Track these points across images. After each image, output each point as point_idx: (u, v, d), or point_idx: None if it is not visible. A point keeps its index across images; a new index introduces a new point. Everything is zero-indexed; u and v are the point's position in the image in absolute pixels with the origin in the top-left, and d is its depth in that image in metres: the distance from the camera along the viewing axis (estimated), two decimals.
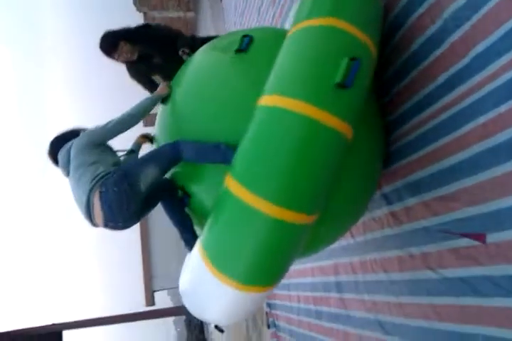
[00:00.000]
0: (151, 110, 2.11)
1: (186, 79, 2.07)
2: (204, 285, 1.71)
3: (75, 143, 1.95)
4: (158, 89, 2.14)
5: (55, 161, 2.07)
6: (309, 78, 1.55)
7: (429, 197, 1.81)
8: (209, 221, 1.72)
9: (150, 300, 11.01)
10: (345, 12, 1.68)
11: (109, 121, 2.00)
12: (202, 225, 1.90)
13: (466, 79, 1.55)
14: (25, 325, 10.32)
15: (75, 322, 11.23)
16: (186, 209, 2.01)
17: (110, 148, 2.07)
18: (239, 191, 1.54)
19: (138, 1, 13.49)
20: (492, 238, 1.50)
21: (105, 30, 2.52)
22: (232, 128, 1.75)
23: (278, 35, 1.95)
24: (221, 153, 1.72)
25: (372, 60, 1.72)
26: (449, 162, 1.67)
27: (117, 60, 2.57)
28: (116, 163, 1.97)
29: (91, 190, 1.77)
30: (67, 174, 1.96)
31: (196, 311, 1.88)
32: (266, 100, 1.61)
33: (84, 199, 1.79)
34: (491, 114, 1.46)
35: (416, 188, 1.90)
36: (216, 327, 2.29)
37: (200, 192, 1.89)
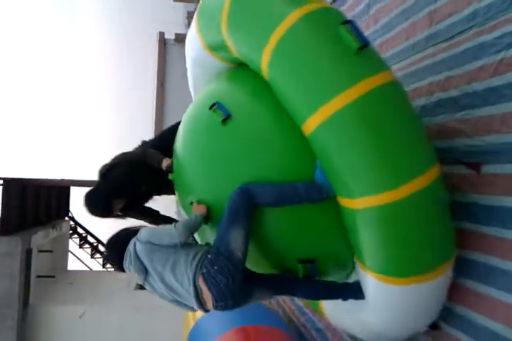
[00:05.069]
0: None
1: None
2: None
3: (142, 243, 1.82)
4: (195, 210, 1.91)
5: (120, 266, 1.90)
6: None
7: None
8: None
9: None
10: None
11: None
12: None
13: None
14: (36, 176, 10.73)
15: (84, 181, 11.73)
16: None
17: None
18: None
19: None
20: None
21: (86, 198, 2.17)
22: None
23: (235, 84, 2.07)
24: (303, 193, 1.68)
25: None
26: None
27: (116, 215, 2.28)
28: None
29: (195, 276, 1.73)
30: (145, 277, 1.83)
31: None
32: None
33: (191, 288, 1.73)
34: None
35: None
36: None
37: (326, 256, 1.91)
